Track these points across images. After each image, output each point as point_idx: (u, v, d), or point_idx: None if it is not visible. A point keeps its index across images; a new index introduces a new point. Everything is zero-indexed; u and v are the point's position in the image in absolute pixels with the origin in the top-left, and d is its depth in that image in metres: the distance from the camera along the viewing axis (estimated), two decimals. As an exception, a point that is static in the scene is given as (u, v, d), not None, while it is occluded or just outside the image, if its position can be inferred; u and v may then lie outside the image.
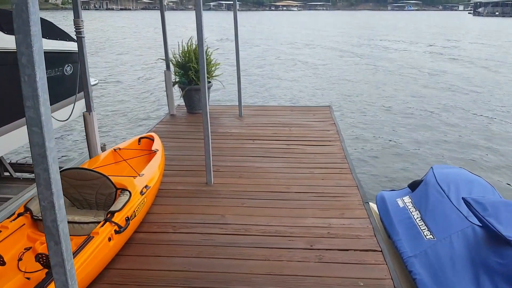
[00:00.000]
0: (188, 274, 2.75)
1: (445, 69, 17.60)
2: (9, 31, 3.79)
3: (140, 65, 18.07)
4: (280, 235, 3.18)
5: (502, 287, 2.31)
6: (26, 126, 1.26)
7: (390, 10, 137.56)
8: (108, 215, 2.91)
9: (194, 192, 3.98)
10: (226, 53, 15.82)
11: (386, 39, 31.89)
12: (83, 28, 3.94)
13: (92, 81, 7.18)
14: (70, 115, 4.65)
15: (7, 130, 3.86)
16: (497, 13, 78.91)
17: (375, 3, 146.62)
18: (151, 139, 4.54)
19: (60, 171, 3.36)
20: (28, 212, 2.92)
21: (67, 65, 5.12)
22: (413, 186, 3.71)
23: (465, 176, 3.57)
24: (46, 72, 1.24)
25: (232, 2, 6.35)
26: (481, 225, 2.69)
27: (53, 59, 4.80)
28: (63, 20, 37.86)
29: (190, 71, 6.78)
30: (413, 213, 3.30)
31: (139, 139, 4.56)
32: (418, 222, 3.17)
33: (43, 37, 5.06)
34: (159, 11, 6.54)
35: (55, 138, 1.33)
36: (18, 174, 4.98)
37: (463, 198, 2.87)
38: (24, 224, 2.85)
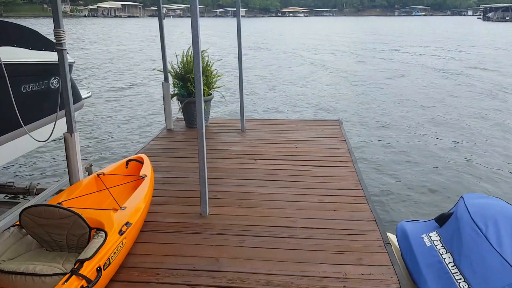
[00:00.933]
0: None
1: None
2: None
3: (141, 78, 17.50)
4: (284, 288, 2.62)
5: None
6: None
7: (397, 16, 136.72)
8: (76, 265, 2.40)
9: (185, 226, 3.46)
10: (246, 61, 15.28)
11: (415, 46, 30.52)
12: (64, 39, 3.47)
13: (85, 93, 6.74)
14: (50, 135, 4.18)
15: None
16: (507, 18, 77.61)
17: (382, 8, 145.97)
18: (141, 162, 4.07)
19: (25, 209, 2.85)
20: None
21: (53, 78, 4.66)
22: (441, 220, 3.14)
23: (505, 209, 3.00)
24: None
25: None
26: None
27: (36, 71, 4.37)
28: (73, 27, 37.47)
29: (190, 83, 6.32)
30: (443, 256, 2.76)
31: (127, 162, 4.09)
32: (451, 268, 2.64)
33: (26, 47, 4.51)
34: (166, 18, 6.11)
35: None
36: None
37: None
38: None
